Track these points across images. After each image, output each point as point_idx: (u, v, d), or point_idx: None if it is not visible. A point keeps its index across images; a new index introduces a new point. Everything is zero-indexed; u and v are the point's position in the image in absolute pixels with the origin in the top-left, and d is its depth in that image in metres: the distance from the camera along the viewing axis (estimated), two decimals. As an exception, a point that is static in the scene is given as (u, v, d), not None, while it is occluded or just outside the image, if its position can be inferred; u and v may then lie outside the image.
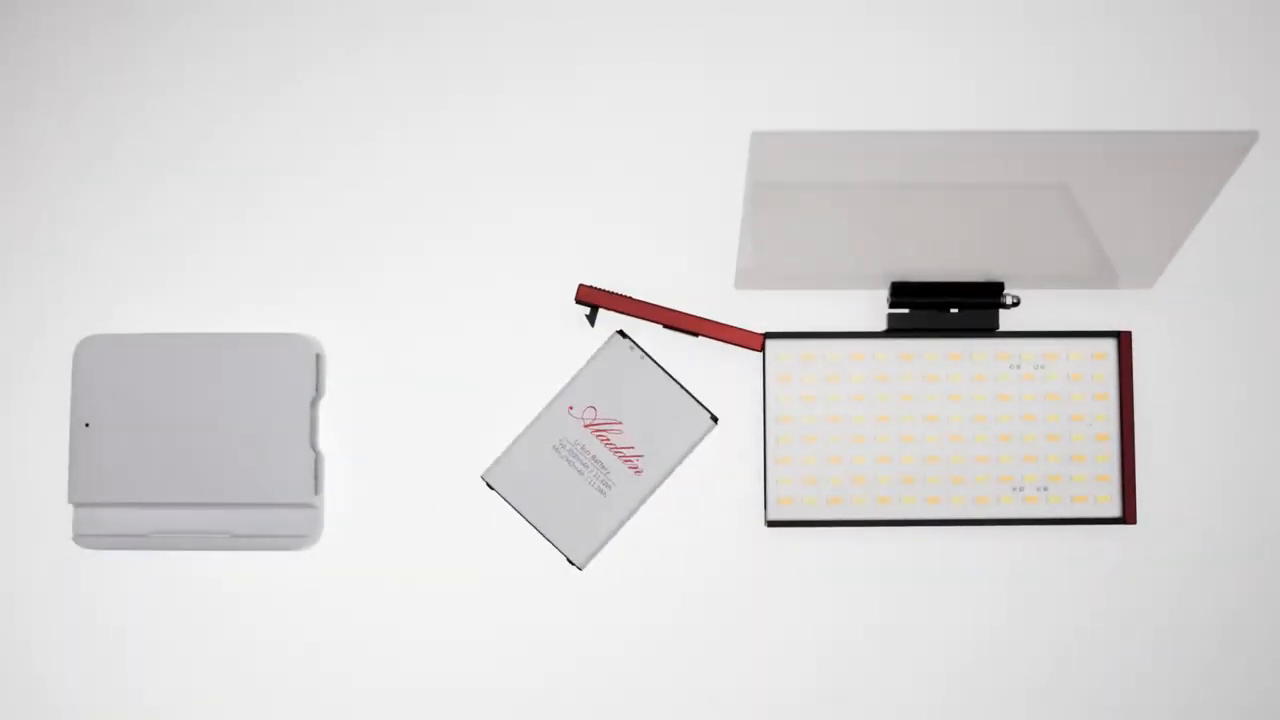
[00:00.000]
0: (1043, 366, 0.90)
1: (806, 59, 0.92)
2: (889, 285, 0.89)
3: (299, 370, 0.88)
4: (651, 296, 0.90)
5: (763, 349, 0.89)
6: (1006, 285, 0.90)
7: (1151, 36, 0.92)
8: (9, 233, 0.92)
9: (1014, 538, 0.89)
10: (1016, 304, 0.90)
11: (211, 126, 0.92)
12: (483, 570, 0.89)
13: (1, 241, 0.92)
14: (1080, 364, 0.90)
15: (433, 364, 0.90)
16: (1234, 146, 0.75)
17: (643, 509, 0.88)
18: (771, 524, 0.89)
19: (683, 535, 0.89)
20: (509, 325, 0.90)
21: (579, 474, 0.87)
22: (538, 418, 0.87)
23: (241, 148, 0.92)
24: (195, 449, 0.87)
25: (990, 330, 0.89)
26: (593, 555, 0.87)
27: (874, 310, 0.91)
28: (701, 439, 0.88)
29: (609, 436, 0.87)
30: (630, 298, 0.89)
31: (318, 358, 0.89)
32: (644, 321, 0.89)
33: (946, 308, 0.89)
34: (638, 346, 0.88)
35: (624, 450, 0.87)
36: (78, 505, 0.88)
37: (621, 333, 0.88)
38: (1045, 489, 0.89)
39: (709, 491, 0.90)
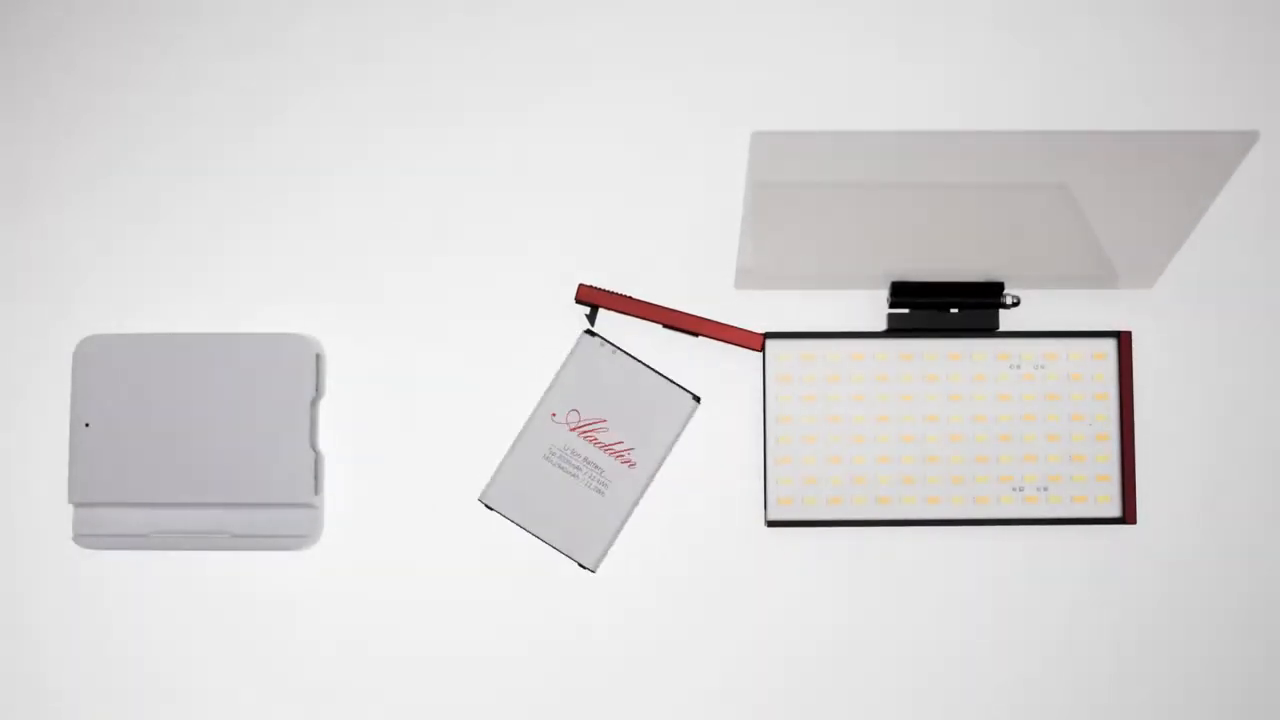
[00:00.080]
0: (1043, 366, 0.90)
1: (806, 59, 0.92)
2: (889, 285, 0.89)
3: (299, 370, 0.88)
4: (651, 296, 0.90)
5: (763, 349, 0.89)
6: (1006, 285, 0.90)
7: (1152, 36, 0.92)
8: (10, 233, 0.92)
9: (1014, 538, 0.89)
10: (1016, 304, 0.90)
11: (212, 129, 0.92)
12: (482, 570, 0.89)
13: (2, 242, 0.92)
14: (1080, 364, 0.90)
15: (433, 364, 0.90)
16: (1234, 146, 0.75)
17: (643, 509, 0.88)
18: (771, 524, 0.89)
19: (683, 535, 0.89)
20: (509, 325, 0.90)
21: (574, 478, 0.87)
22: (523, 430, 0.87)
23: (242, 149, 0.92)
24: (195, 449, 0.87)
25: (990, 330, 0.89)
26: (603, 556, 0.87)
27: (874, 310, 0.91)
28: (687, 420, 0.88)
29: (596, 436, 0.87)
30: (630, 298, 0.89)
31: (318, 358, 0.89)
32: (644, 321, 0.89)
33: (946, 308, 0.89)
34: (608, 342, 0.88)
35: (614, 447, 0.87)
36: (78, 505, 0.88)
37: (589, 331, 0.88)
38: (1045, 489, 0.89)
39: (709, 491, 0.90)
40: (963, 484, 0.89)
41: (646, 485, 0.87)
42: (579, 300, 0.89)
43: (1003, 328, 0.90)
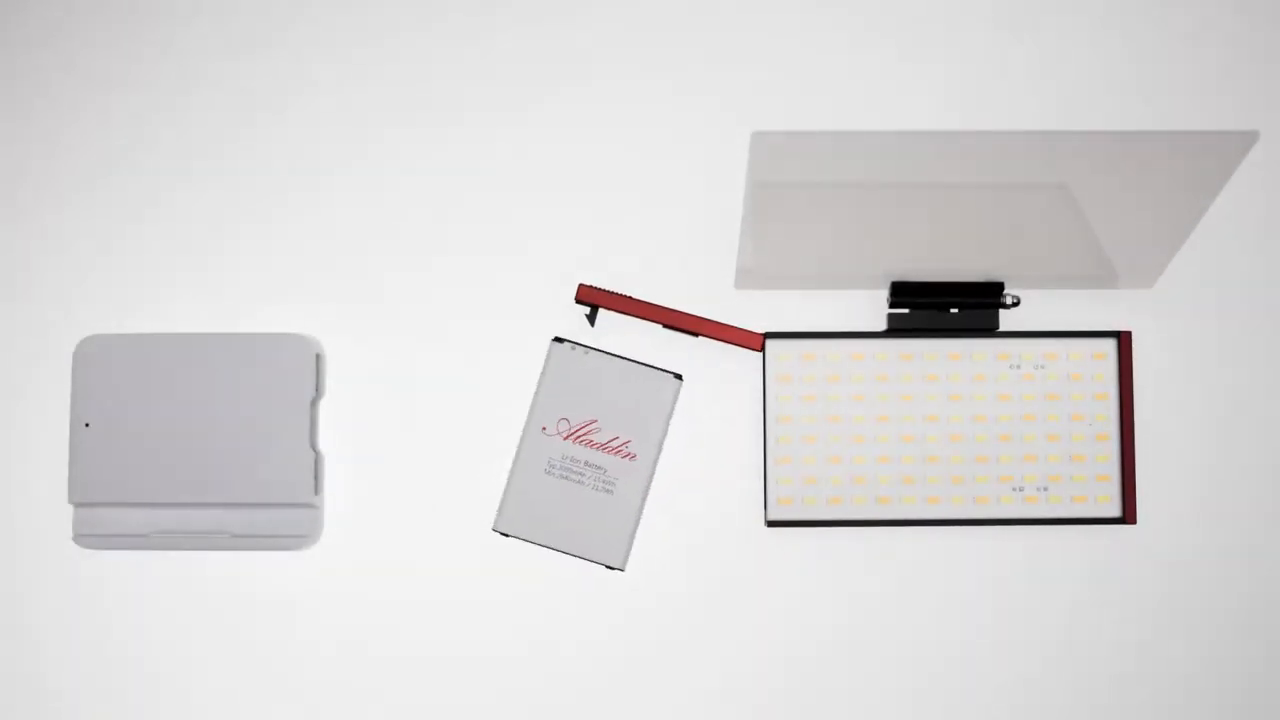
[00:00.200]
0: (1043, 366, 0.90)
1: (806, 59, 0.92)
2: (889, 285, 0.89)
3: (299, 370, 0.88)
4: (651, 296, 0.90)
5: (763, 349, 0.89)
6: (1006, 285, 0.90)
7: (1152, 36, 0.92)
8: (10, 233, 0.92)
9: (1014, 538, 0.89)
10: (1016, 304, 0.90)
11: (213, 129, 0.92)
12: (482, 570, 0.89)
13: (2, 241, 0.92)
14: (1080, 364, 0.90)
15: (433, 363, 0.90)
16: (1234, 146, 0.75)
17: (643, 510, 0.88)
18: (771, 524, 0.89)
19: (683, 535, 0.89)
20: (509, 325, 0.90)
21: (580, 484, 0.87)
22: (518, 450, 0.87)
23: (242, 149, 0.92)
24: (195, 449, 0.87)
25: (990, 330, 0.89)
26: (628, 553, 0.87)
27: (874, 310, 0.91)
28: (675, 400, 0.88)
29: (591, 438, 0.87)
30: (630, 298, 0.89)
31: (318, 358, 0.89)
32: (644, 321, 0.89)
33: (946, 308, 0.89)
34: (578, 344, 0.88)
35: (611, 444, 0.87)
36: (78, 505, 0.88)
37: (558, 339, 0.88)
38: (1045, 489, 0.89)
39: (709, 491, 0.90)
40: (963, 484, 0.89)
41: (652, 473, 0.87)
42: (579, 300, 0.89)
43: (1003, 328, 0.90)
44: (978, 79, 0.92)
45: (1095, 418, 0.89)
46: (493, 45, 0.92)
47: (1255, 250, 0.91)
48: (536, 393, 0.87)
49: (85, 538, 0.88)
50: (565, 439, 0.87)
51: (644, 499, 0.87)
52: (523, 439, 0.87)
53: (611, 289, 0.90)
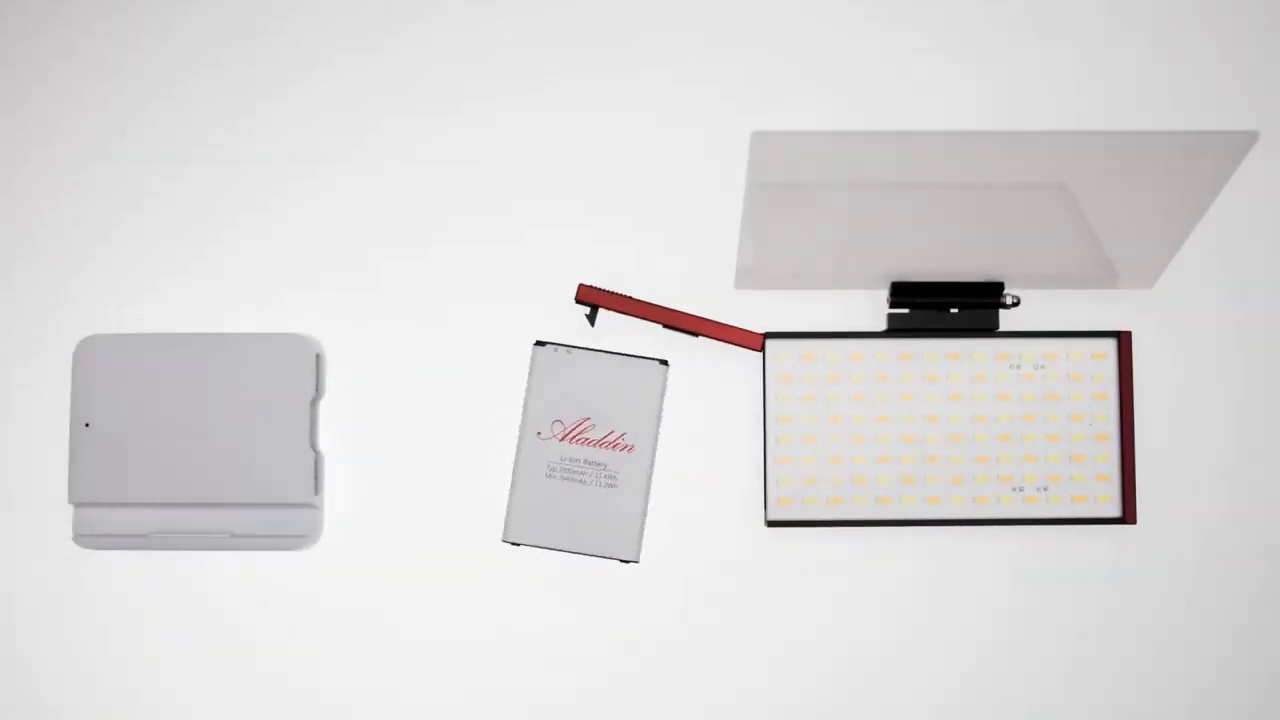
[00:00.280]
0: (1043, 366, 0.90)
1: (806, 59, 0.92)
2: (889, 285, 0.89)
3: (299, 370, 0.88)
4: (651, 296, 0.90)
5: (763, 349, 0.89)
6: (1006, 285, 0.90)
7: (1151, 36, 0.92)
8: (10, 233, 0.92)
9: (1014, 538, 0.89)
10: (1016, 304, 0.90)
11: (212, 128, 0.92)
12: (482, 570, 0.89)
13: (2, 241, 0.92)
14: (1080, 364, 0.90)
15: (432, 363, 0.90)
16: (1234, 146, 0.75)
17: (649, 499, 0.88)
18: (771, 524, 0.89)
19: (683, 536, 0.89)
20: (509, 325, 0.90)
21: (584, 483, 0.87)
22: (516, 459, 0.87)
23: (243, 148, 0.92)
24: (195, 449, 0.87)
25: (990, 330, 0.89)
26: (640, 545, 0.87)
27: (874, 310, 0.91)
28: (664, 386, 0.88)
29: (587, 436, 0.87)
30: (630, 298, 0.89)
31: (318, 358, 0.89)
32: (644, 321, 0.89)
33: (946, 308, 0.89)
34: (560, 345, 0.88)
35: (607, 439, 0.87)
36: (78, 505, 0.88)
37: (539, 342, 0.88)
38: (1045, 489, 0.89)
39: (709, 491, 0.90)
40: (963, 484, 0.89)
41: (652, 462, 0.87)
42: (579, 300, 0.89)
43: (1003, 328, 0.90)
44: (977, 79, 0.92)
45: (1095, 418, 0.89)
46: (493, 46, 0.92)
47: (1255, 250, 0.91)
48: (526, 399, 0.87)
49: (85, 538, 0.88)
50: (561, 440, 0.87)
51: (648, 489, 0.87)
52: (519, 447, 0.87)
53: (611, 289, 0.90)
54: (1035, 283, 0.90)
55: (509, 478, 0.88)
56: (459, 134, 0.92)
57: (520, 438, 0.87)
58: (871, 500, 0.89)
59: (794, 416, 0.89)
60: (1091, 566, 0.89)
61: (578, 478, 0.87)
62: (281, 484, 0.87)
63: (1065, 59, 0.92)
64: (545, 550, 0.87)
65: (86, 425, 0.88)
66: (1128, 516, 0.89)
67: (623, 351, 0.88)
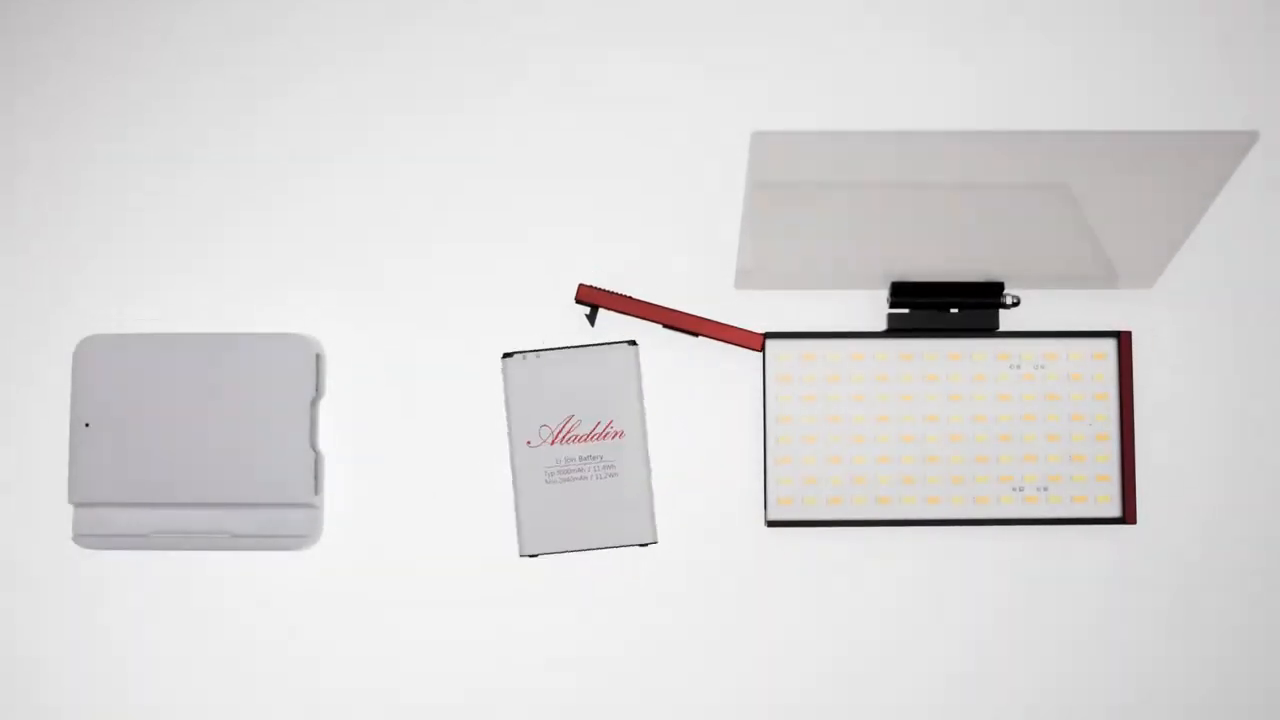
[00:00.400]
0: (1043, 366, 0.90)
1: (806, 59, 0.92)
2: (889, 285, 0.89)
3: (299, 370, 0.88)
4: (651, 296, 0.90)
5: (763, 349, 0.89)
6: (1006, 285, 0.90)
7: (1152, 36, 0.92)
8: (9, 233, 0.92)
9: (1014, 538, 0.89)
10: (1016, 304, 0.90)
11: (212, 128, 0.92)
12: (483, 570, 0.89)
13: (2, 241, 0.92)
14: (1080, 364, 0.90)
15: (433, 363, 0.90)
16: (1234, 146, 0.75)
17: (651, 479, 0.88)
18: (771, 524, 0.89)
19: (683, 535, 0.89)
20: (509, 325, 0.90)
21: (585, 480, 0.87)
22: (513, 473, 0.87)
23: (243, 148, 0.92)
24: (195, 449, 0.87)
25: (990, 330, 0.89)
26: (654, 525, 0.87)
27: (874, 310, 0.91)
28: (638, 366, 0.88)
29: (576, 433, 0.87)
30: (630, 298, 0.89)
31: (318, 358, 0.89)
32: (644, 321, 0.89)
33: (946, 308, 0.89)
34: (527, 352, 0.88)
35: (596, 431, 0.87)
36: (78, 505, 0.88)
37: (506, 354, 0.88)
38: (1045, 489, 0.89)
39: (709, 491, 0.90)
40: (963, 484, 0.89)
41: (646, 442, 0.87)
42: (579, 300, 0.89)
43: (1003, 328, 0.90)
44: (977, 79, 0.92)
45: (1095, 418, 0.89)
46: (493, 46, 0.92)
47: (1255, 250, 0.91)
48: (508, 413, 0.87)
49: (85, 538, 0.88)
50: (553, 444, 0.87)
51: (648, 469, 0.87)
52: (512, 461, 0.87)
53: (611, 289, 0.90)
54: (1035, 283, 0.90)
55: (509, 479, 0.88)
56: (459, 134, 0.92)
57: (512, 451, 0.87)
58: (871, 500, 0.89)
59: (794, 416, 0.89)
60: (1091, 566, 0.89)
61: (578, 476, 0.87)
62: (281, 484, 0.87)
63: (1065, 59, 0.92)
64: (564, 554, 0.87)
65: (86, 425, 0.88)
66: (1128, 516, 0.89)
67: (587, 343, 0.88)
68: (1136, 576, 0.90)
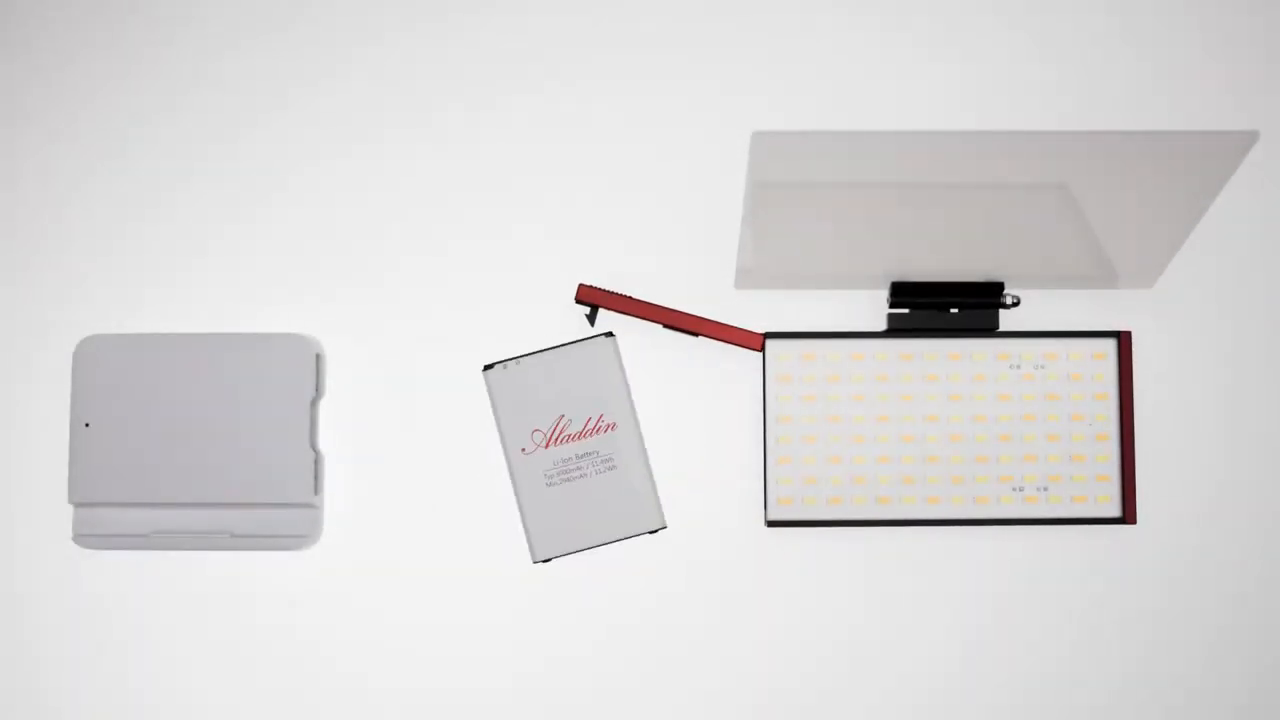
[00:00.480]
0: (1043, 366, 0.90)
1: (806, 59, 0.92)
2: (889, 285, 0.89)
3: (299, 370, 0.88)
4: (651, 296, 0.90)
5: (763, 349, 0.89)
6: (1006, 285, 0.90)
7: (1151, 37, 0.92)
8: (9, 233, 0.92)
9: (1014, 538, 0.89)
10: (1016, 304, 0.90)
11: (213, 128, 0.92)
12: (482, 570, 0.89)
13: (2, 241, 0.92)
14: (1080, 364, 0.90)
15: (433, 364, 0.90)
16: (1234, 146, 0.75)
17: (650, 465, 0.88)
18: (771, 524, 0.89)
19: (683, 535, 0.89)
20: (509, 325, 0.90)
21: (584, 477, 0.87)
22: (513, 484, 0.87)
23: (243, 148, 0.92)
24: (195, 449, 0.87)
25: (990, 330, 0.89)
26: (660, 510, 0.87)
27: (874, 310, 0.91)
28: (618, 355, 0.88)
29: (568, 433, 0.87)
30: (630, 298, 0.89)
31: (318, 358, 0.89)
32: (644, 321, 0.89)
33: (946, 308, 0.89)
34: (506, 361, 0.88)
35: (589, 427, 0.87)
36: (78, 505, 0.88)
37: (487, 366, 0.88)
38: (1045, 489, 0.89)
39: (709, 491, 0.90)
40: (963, 484, 0.89)
41: (639, 430, 0.87)
42: (579, 300, 0.89)
43: (1003, 328, 0.90)
44: (978, 79, 0.92)
45: (1095, 418, 0.89)
46: (493, 46, 0.92)
47: (1255, 250, 0.91)
48: (498, 424, 0.88)
49: (85, 538, 0.88)
50: (548, 447, 0.87)
51: (645, 456, 0.87)
52: (510, 470, 0.87)
53: (611, 289, 0.90)
54: (1035, 283, 0.90)
55: (508, 482, 0.88)
56: (460, 134, 0.92)
57: (508, 461, 0.87)
58: (871, 500, 0.89)
59: (794, 416, 0.89)
60: (1091, 566, 0.89)
61: (577, 474, 0.87)
62: (281, 484, 0.87)
63: (1065, 59, 0.92)
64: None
65: (86, 425, 0.88)
66: (1128, 516, 0.89)
67: (564, 341, 0.88)
68: (1136, 576, 0.90)
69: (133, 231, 0.92)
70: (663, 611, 0.89)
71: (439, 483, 0.90)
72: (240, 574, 0.89)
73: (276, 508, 0.88)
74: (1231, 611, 0.90)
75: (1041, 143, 0.78)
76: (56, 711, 0.90)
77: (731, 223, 0.88)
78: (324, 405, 0.90)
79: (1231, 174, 0.77)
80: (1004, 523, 0.89)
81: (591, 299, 0.89)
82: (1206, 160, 0.77)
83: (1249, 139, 0.75)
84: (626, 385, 0.88)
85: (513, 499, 0.88)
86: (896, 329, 0.90)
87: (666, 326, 0.89)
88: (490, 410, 0.88)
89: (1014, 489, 0.89)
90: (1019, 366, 0.90)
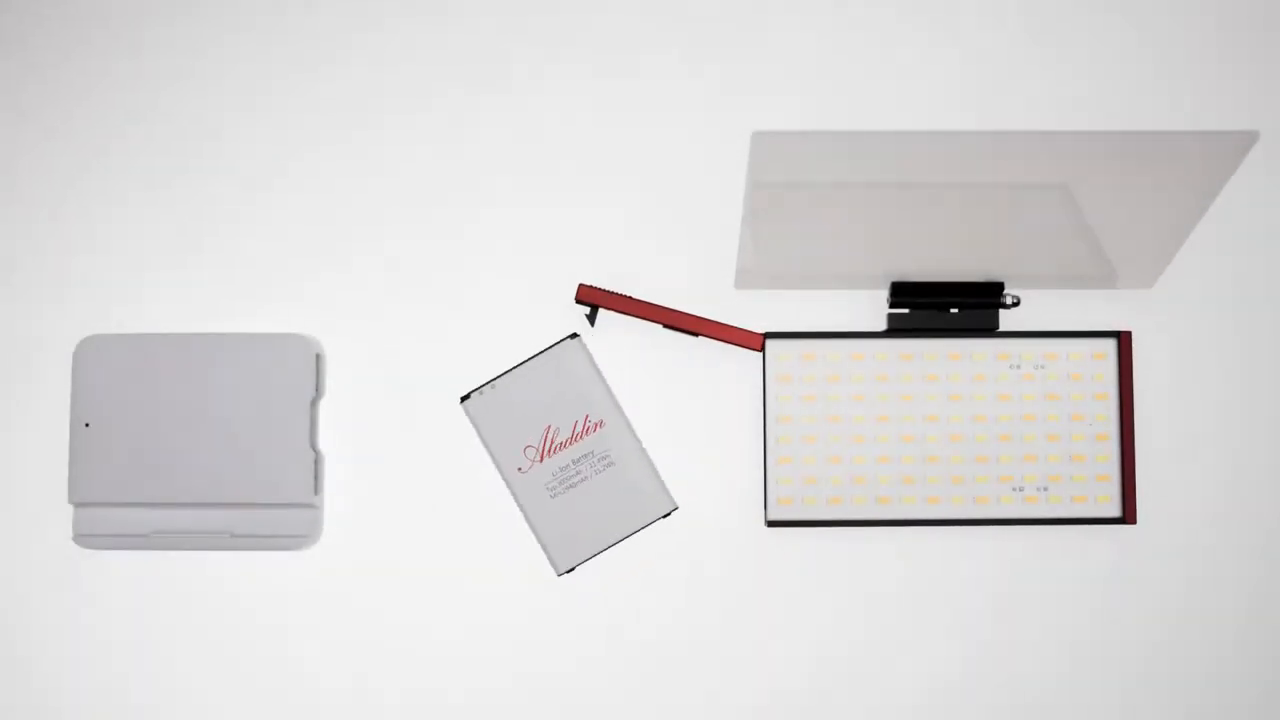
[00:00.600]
0: (1043, 366, 0.90)
1: (806, 59, 0.92)
2: (889, 285, 0.89)
3: (299, 370, 0.88)
4: (651, 296, 0.90)
5: (763, 349, 0.89)
6: (1006, 285, 0.90)
7: (1152, 36, 0.92)
8: (9, 233, 0.92)
9: (1014, 538, 0.89)
10: (1016, 304, 0.90)
11: (211, 127, 0.92)
12: (483, 570, 0.89)
13: (1, 241, 0.92)
14: (1080, 364, 0.90)
15: (433, 364, 0.90)
16: (1234, 146, 0.75)
17: (646, 450, 0.88)
18: (771, 524, 0.89)
19: (683, 535, 0.89)
20: (509, 325, 0.90)
21: (585, 479, 0.87)
22: (518, 503, 0.87)
23: (242, 148, 0.92)
24: (195, 449, 0.87)
25: (990, 330, 0.89)
26: (667, 493, 0.88)
27: (874, 310, 0.91)
28: (589, 353, 0.88)
29: (559, 441, 0.87)
30: (630, 298, 0.89)
31: (318, 358, 0.89)
32: (644, 321, 0.89)
33: (946, 308, 0.89)
34: (482, 387, 0.88)
35: (577, 432, 0.87)
36: (78, 505, 0.88)
37: (464, 397, 0.88)
38: (1045, 489, 0.89)
39: (709, 491, 0.90)
40: (963, 484, 0.89)
41: (627, 420, 0.88)
42: (579, 300, 0.89)
43: (1003, 328, 0.90)
44: (978, 79, 0.92)
45: (1095, 418, 0.89)
46: (494, 45, 0.92)
47: (1255, 250, 0.91)
48: (488, 449, 0.88)
49: (85, 538, 0.88)
50: (543, 460, 0.87)
51: (640, 445, 0.88)
52: (511, 491, 0.88)
53: (611, 289, 0.90)
54: (1035, 283, 0.90)
55: (513, 502, 0.88)
56: (459, 134, 0.92)
57: (507, 482, 0.88)
58: (871, 500, 0.89)
59: (794, 416, 0.89)
60: (1091, 566, 0.89)
61: (578, 479, 0.87)
62: (281, 484, 0.87)
63: (1065, 59, 0.92)
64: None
65: (86, 425, 0.88)
66: (1128, 516, 0.89)
67: (534, 353, 0.88)
68: (1136, 576, 0.90)
69: (133, 231, 0.92)
70: (663, 611, 0.89)
71: (439, 483, 0.90)
72: (240, 574, 0.89)
73: (276, 508, 0.88)
74: (1232, 611, 0.90)
75: (1041, 143, 0.78)
76: (56, 711, 0.90)
77: (731, 223, 0.88)
78: (324, 405, 0.90)
79: (1231, 174, 0.77)
80: (1004, 523, 0.89)
81: (591, 299, 0.89)
82: (1206, 160, 0.77)
83: (1249, 139, 0.75)
84: (604, 380, 0.88)
85: (513, 499, 0.88)
86: (896, 329, 0.90)
87: (666, 326, 0.89)
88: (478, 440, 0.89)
89: (1014, 489, 0.89)
90: (1019, 366, 0.90)
